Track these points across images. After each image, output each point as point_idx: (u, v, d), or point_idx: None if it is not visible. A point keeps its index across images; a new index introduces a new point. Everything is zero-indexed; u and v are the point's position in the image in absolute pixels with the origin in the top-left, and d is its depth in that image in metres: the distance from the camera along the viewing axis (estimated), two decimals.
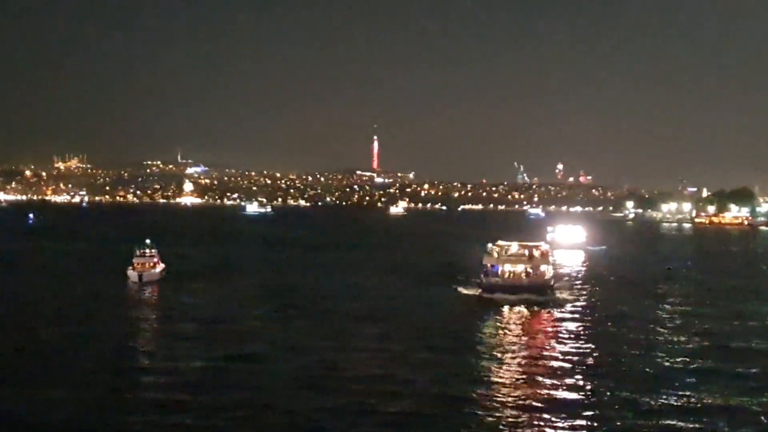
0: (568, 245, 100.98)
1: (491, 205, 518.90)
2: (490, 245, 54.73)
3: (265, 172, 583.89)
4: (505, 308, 47.14)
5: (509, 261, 52.44)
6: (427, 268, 73.65)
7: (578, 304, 50.54)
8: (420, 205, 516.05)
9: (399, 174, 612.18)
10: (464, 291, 53.82)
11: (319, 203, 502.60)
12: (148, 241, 60.68)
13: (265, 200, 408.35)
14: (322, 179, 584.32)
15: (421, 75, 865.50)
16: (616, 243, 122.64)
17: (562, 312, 46.84)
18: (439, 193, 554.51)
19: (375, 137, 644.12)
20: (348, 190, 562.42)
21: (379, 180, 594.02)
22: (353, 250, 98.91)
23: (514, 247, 54.96)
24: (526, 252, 53.75)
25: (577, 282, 63.44)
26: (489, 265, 52.32)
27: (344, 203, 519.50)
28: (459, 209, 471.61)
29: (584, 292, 56.36)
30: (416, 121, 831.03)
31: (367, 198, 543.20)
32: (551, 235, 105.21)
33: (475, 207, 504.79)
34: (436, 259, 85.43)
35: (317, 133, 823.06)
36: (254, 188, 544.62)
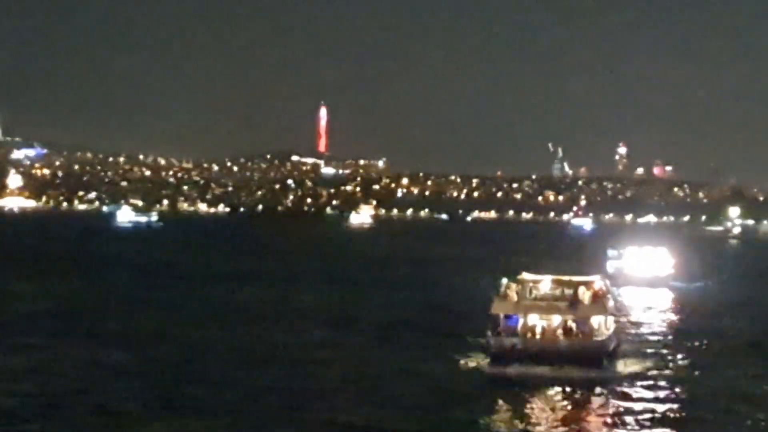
0: (642, 280, 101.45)
1: (511, 212, 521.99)
2: (504, 281, 53.90)
3: (141, 157, 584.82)
4: (527, 393, 46.27)
5: (537, 308, 51.89)
6: (403, 316, 74.67)
7: (660, 384, 49.67)
8: (396, 211, 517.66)
9: (361, 161, 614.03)
10: (461, 361, 53.04)
11: (241, 209, 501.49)
12: None
13: (141, 203, 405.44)
14: (236, 169, 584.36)
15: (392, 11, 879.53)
16: (721, 275, 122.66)
17: (630, 400, 45.82)
18: (427, 192, 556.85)
19: (322, 103, 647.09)
20: (278, 186, 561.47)
21: (328, 171, 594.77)
22: (286, 283, 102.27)
23: (545, 284, 54.02)
24: (567, 292, 53.18)
25: (658, 345, 63.12)
26: (502, 315, 51.78)
27: (274, 207, 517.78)
28: (468, 219, 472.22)
29: (670, 364, 55.71)
30: (388, 81, 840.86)
31: (309, 199, 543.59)
32: (614, 262, 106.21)
33: (488, 215, 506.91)
34: (420, 299, 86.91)
35: (228, 100, 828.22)
36: (124, 183, 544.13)
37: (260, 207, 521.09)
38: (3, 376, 47.60)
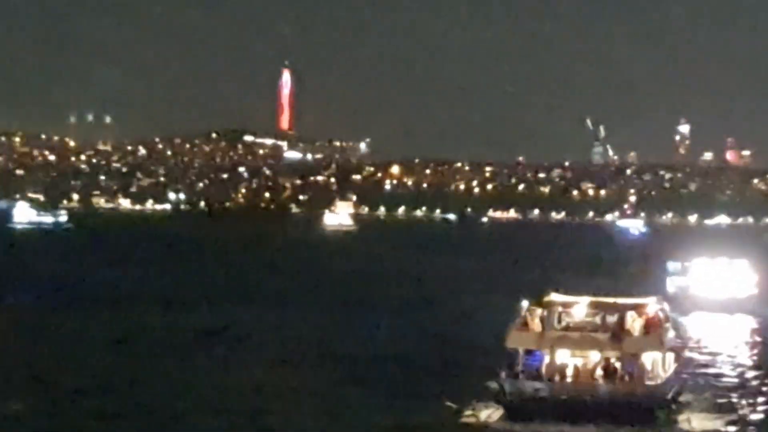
0: (715, 303, 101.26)
1: (536, 211, 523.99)
2: (525, 304, 53.95)
3: (43, 137, 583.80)
4: None
5: (568, 342, 51.79)
6: (389, 349, 74.99)
7: None
8: (383, 209, 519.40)
9: (337, 143, 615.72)
10: (465, 413, 52.50)
11: (182, 207, 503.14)
12: None
13: (42, 197, 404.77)
14: (169, 153, 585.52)
15: None
16: None
17: None
18: (424, 184, 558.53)
19: (286, 66, 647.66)
20: (226, 176, 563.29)
21: (292, 155, 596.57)
22: (237, 306, 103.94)
23: (580, 308, 53.86)
24: (609, 320, 53.02)
25: (736, 392, 62.58)
26: (521, 350, 51.70)
27: (221, 203, 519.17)
28: (483, 220, 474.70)
29: (751, 417, 55.43)
30: (370, 39, 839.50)
31: (268, 193, 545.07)
32: (676, 279, 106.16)
33: (506, 215, 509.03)
34: (414, 327, 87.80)
35: (158, 59, 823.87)
36: (20, 172, 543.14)
37: (201, 203, 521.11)
38: None
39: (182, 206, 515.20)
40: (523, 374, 50.72)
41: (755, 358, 77.56)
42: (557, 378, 50.55)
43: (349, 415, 53.55)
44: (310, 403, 56.47)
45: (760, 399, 60.75)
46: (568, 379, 50.68)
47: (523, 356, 51.48)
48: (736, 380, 67.04)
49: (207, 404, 55.77)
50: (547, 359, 51.15)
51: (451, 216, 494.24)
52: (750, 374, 69.82)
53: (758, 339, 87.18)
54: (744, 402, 59.56)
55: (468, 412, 52.31)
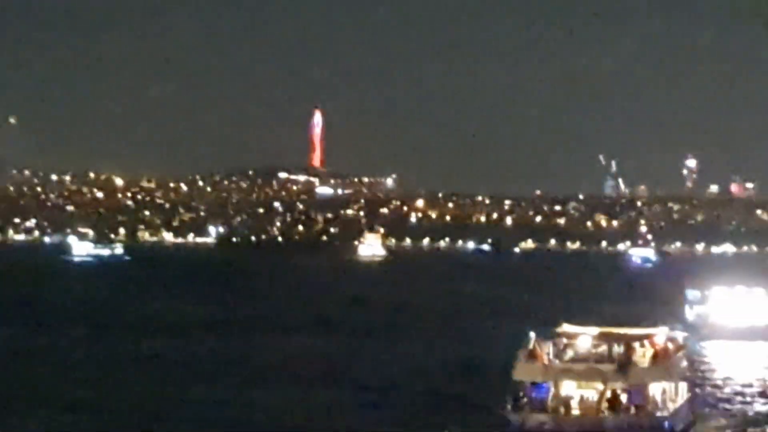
0: (735, 331, 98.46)
1: (553, 241, 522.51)
2: (533, 335, 51.47)
3: (91, 176, 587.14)
4: None
5: (574, 373, 49.48)
6: (412, 378, 73.66)
7: None
8: (409, 240, 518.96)
9: (365, 179, 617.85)
10: None
11: (233, 239, 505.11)
12: None
13: (91, 232, 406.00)
14: (209, 190, 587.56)
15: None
16: None
17: None
18: (447, 217, 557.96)
19: (317, 107, 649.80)
20: (262, 210, 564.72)
21: (324, 190, 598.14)
22: (278, 331, 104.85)
23: (585, 339, 51.45)
24: (616, 350, 50.70)
25: (755, 422, 60.05)
26: (528, 382, 49.39)
27: (257, 236, 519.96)
28: (516, 250, 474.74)
29: None
30: (396, 80, 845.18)
31: (301, 226, 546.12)
32: (696, 308, 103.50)
33: (525, 245, 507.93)
34: (440, 354, 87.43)
35: (199, 106, 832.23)
36: (70, 208, 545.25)
37: (236, 238, 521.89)
38: None
39: (233, 240, 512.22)
40: (528, 406, 48.67)
41: None
42: (562, 410, 48.52)
43: None
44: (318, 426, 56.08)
45: None
46: (574, 411, 48.62)
47: (529, 388, 49.33)
48: (753, 409, 64.31)
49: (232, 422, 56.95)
50: (552, 391, 49.06)
51: (485, 246, 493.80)
52: (765, 402, 66.88)
53: None
54: (759, 430, 57.39)
55: None
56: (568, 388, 48.87)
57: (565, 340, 51.24)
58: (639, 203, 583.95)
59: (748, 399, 67.47)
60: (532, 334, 51.05)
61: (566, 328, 52.86)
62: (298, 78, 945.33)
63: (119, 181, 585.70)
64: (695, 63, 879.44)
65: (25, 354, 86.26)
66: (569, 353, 50.44)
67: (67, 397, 64.82)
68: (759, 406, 64.89)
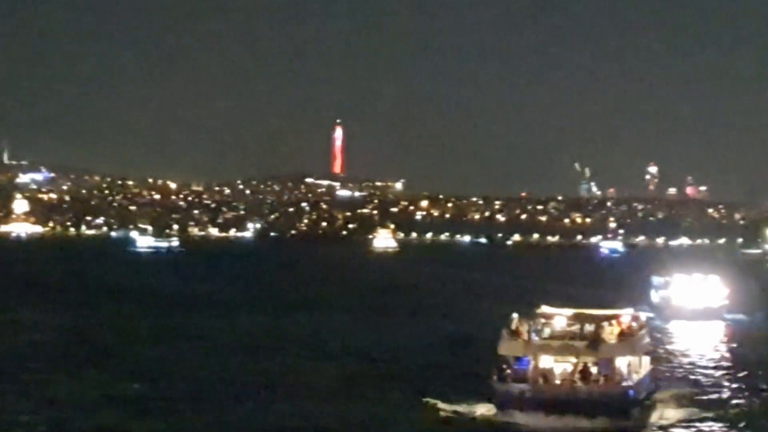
0: (693, 312, 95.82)
1: (536, 235, 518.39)
2: (515, 316, 49.96)
3: (150, 181, 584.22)
4: None
5: (550, 349, 47.70)
6: (412, 352, 71.69)
7: None
8: (415, 234, 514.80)
9: (377, 183, 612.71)
10: (465, 408, 49.00)
11: (273, 234, 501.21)
12: None
13: (150, 228, 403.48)
14: (248, 192, 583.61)
15: (407, 32, 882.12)
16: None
17: None
18: (447, 215, 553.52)
19: (338, 123, 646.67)
20: (292, 209, 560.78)
21: (343, 193, 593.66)
22: (304, 311, 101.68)
23: (559, 320, 49.79)
24: (588, 329, 48.81)
25: (707, 389, 58.09)
26: (511, 357, 47.72)
27: (288, 230, 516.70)
28: (508, 243, 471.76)
29: (720, 412, 50.84)
30: (405, 100, 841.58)
31: (324, 222, 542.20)
32: (660, 293, 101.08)
33: (523, 238, 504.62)
34: (441, 331, 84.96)
35: (238, 120, 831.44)
36: (132, 208, 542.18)
37: (271, 233, 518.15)
38: (9, 406, 48.95)
39: (272, 234, 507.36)
40: (512, 377, 46.99)
41: (725, 358, 72.89)
42: (541, 380, 46.76)
43: (361, 406, 50.79)
44: (329, 393, 54.33)
45: (728, 394, 56.55)
46: (551, 382, 46.86)
47: (512, 361, 47.70)
48: (707, 378, 62.53)
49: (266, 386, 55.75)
50: (532, 364, 47.30)
51: (483, 240, 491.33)
52: (719, 373, 65.25)
53: (728, 342, 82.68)
54: (714, 397, 55.38)
55: (467, 408, 48.98)
56: (546, 361, 47.27)
57: (543, 320, 49.57)
58: (608, 203, 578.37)
59: (703, 370, 65.74)
60: (515, 315, 49.65)
61: (544, 309, 51.35)
62: (323, 99, 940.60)
63: (173, 185, 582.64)
64: (658, 82, 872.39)
65: (100, 327, 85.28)
66: (547, 331, 48.70)
67: (129, 364, 64.27)
68: (712, 377, 63.16)
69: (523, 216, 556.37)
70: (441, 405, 49.58)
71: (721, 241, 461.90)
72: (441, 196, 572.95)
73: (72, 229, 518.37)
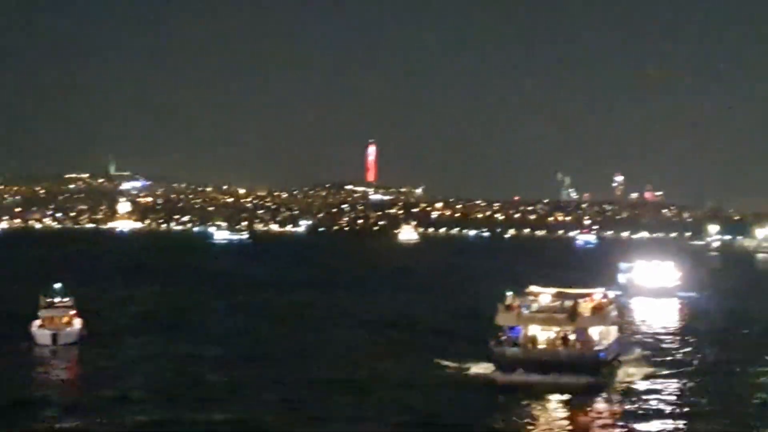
0: (651, 291, 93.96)
1: (526, 230, 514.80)
2: (510, 293, 49.31)
3: (225, 187, 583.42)
4: (527, 400, 42.03)
5: (537, 320, 47.02)
6: (427, 322, 70.64)
7: (659, 389, 44.77)
8: (431, 229, 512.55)
9: (402, 189, 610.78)
10: (470, 367, 48.40)
11: (320, 229, 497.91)
12: (58, 285, 59.96)
13: (224, 224, 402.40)
14: (300, 197, 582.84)
15: (429, 63, 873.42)
16: (712, 285, 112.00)
17: (629, 405, 41.35)
18: (456, 214, 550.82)
19: (371, 141, 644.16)
20: (335, 210, 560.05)
21: (375, 197, 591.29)
22: (341, 289, 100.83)
23: (546, 296, 49.20)
24: (567, 304, 48.07)
25: (662, 352, 57.05)
26: (506, 326, 47.19)
27: (330, 227, 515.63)
28: (507, 236, 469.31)
29: (673, 370, 50.01)
30: (426, 120, 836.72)
31: (360, 220, 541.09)
32: (626, 275, 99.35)
33: (517, 232, 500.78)
34: (455, 306, 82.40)
35: (292, 138, 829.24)
36: (210, 209, 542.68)
37: (319, 225, 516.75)
38: (124, 365, 50.14)
39: (320, 229, 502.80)
40: (506, 342, 46.56)
41: (678, 327, 71.45)
42: (530, 345, 46.34)
43: (387, 364, 49.99)
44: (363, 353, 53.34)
45: (679, 356, 55.71)
46: (538, 346, 46.31)
47: (506, 330, 47.27)
48: (663, 344, 61.41)
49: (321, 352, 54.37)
50: (522, 332, 46.94)
51: (485, 233, 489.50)
52: (673, 339, 64.08)
53: (680, 314, 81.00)
54: (668, 358, 54.48)
55: (471, 368, 48.43)
56: (534, 330, 46.82)
57: (531, 297, 49.18)
58: (584, 205, 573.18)
59: (660, 337, 64.68)
60: (509, 292, 49.29)
61: (533, 288, 50.87)
62: (359, 119, 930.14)
63: (242, 191, 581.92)
64: (625, 99, 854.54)
65: (187, 301, 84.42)
66: (534, 306, 48.25)
67: (209, 330, 64.34)
68: (667, 342, 62.11)
69: (517, 215, 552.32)
70: (449, 363, 49.15)
71: (673, 234, 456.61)
72: (452, 200, 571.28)
73: (163, 226, 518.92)
